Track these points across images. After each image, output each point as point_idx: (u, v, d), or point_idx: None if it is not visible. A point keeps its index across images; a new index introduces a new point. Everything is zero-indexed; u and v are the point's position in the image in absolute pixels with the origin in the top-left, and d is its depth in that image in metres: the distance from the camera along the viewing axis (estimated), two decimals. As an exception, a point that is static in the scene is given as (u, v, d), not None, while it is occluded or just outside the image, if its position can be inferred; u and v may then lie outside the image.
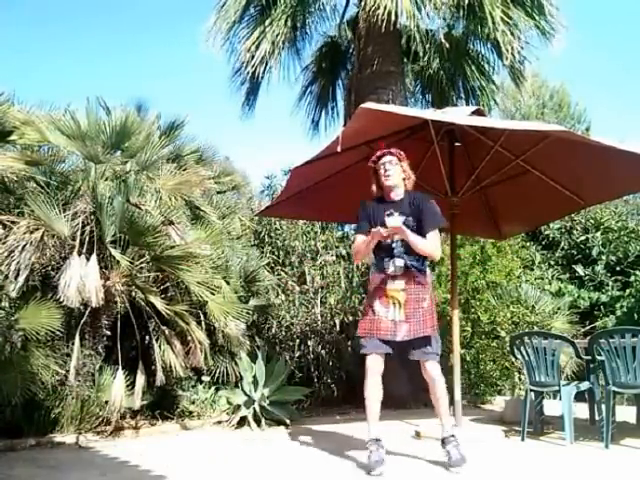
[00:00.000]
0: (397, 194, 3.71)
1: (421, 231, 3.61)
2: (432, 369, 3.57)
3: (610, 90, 27.95)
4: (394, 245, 3.62)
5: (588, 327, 8.43)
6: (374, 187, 3.78)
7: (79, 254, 4.76)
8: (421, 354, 3.58)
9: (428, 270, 3.81)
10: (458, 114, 4.62)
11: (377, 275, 3.69)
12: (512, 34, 6.56)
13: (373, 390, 3.57)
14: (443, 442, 3.59)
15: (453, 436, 3.57)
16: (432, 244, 3.61)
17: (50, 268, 4.91)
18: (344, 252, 7.82)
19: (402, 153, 3.75)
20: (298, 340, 6.98)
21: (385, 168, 3.67)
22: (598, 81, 28.67)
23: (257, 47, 6.97)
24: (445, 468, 3.50)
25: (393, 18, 5.96)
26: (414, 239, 3.52)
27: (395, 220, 3.50)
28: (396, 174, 3.68)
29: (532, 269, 9.17)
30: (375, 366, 3.57)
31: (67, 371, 4.63)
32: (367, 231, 3.65)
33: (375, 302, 3.63)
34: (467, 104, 8.09)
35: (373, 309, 3.62)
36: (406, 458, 3.82)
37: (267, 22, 7.05)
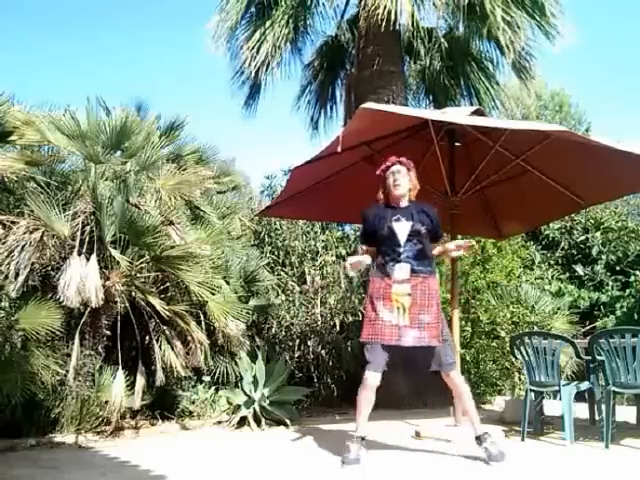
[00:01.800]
0: (403, 202, 3.78)
1: (432, 236, 3.75)
2: (455, 377, 3.69)
3: (610, 90, 27.98)
4: (401, 250, 3.63)
5: (588, 327, 8.43)
6: (380, 194, 3.84)
7: (79, 254, 4.76)
8: (441, 366, 3.65)
9: (436, 276, 3.84)
10: (458, 114, 4.62)
11: (380, 278, 3.68)
12: (513, 32, 6.56)
13: (365, 404, 3.64)
14: (478, 440, 3.65)
15: (487, 433, 3.64)
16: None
17: (50, 268, 4.91)
18: (344, 252, 7.82)
19: (411, 163, 3.82)
20: (298, 340, 6.98)
21: (395, 178, 3.74)
22: (598, 81, 28.68)
23: (258, 48, 6.98)
24: (445, 467, 3.50)
25: (393, 18, 5.97)
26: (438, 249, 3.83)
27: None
28: (405, 184, 3.75)
29: (532, 269, 9.17)
30: (373, 383, 3.61)
31: (67, 371, 4.63)
32: (366, 241, 3.81)
33: (379, 305, 3.62)
34: (469, 104, 8.09)
35: (376, 312, 3.61)
36: (406, 458, 3.82)
37: (268, 23, 7.05)
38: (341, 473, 3.49)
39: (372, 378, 3.60)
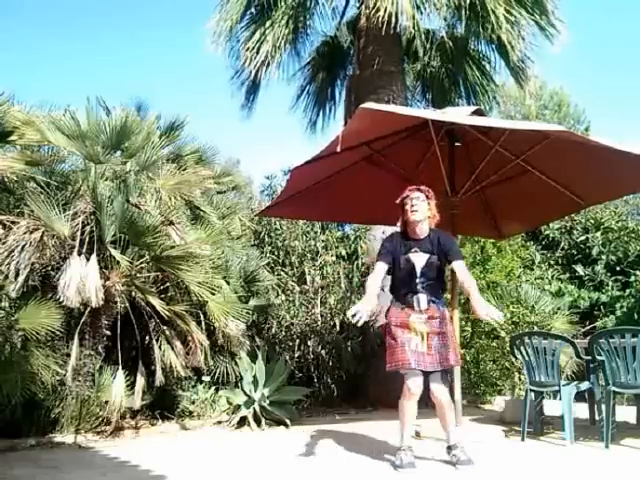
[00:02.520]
0: (422, 231, 3.73)
1: (446, 262, 3.71)
2: (442, 393, 3.61)
3: (609, 90, 28.00)
4: (418, 281, 3.67)
5: (588, 327, 8.42)
6: (399, 224, 3.82)
7: (79, 254, 4.76)
8: (430, 379, 3.63)
9: (447, 306, 3.92)
10: (458, 114, 4.61)
11: (399, 309, 3.71)
12: (515, 33, 6.56)
13: (411, 415, 3.61)
14: (449, 449, 3.66)
15: (459, 445, 3.63)
16: (469, 276, 3.74)
17: (50, 268, 4.91)
18: (344, 252, 7.82)
19: (430, 191, 3.78)
20: (298, 340, 6.98)
21: (412, 203, 3.70)
22: (596, 81, 28.68)
23: (258, 48, 6.98)
24: (445, 467, 3.50)
25: (393, 20, 5.97)
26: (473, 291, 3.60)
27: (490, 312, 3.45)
28: (423, 210, 3.71)
29: (532, 269, 9.16)
30: (417, 391, 3.54)
31: (67, 371, 4.63)
32: (389, 262, 3.71)
33: (397, 332, 3.64)
34: (468, 104, 8.09)
35: (396, 340, 3.62)
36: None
37: (268, 23, 7.05)
38: (342, 473, 3.50)
39: (414, 384, 3.53)
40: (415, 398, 3.57)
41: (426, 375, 3.58)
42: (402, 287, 3.73)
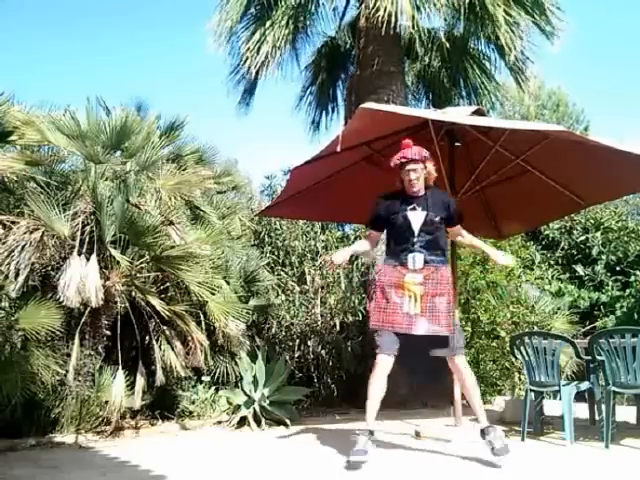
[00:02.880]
0: (419, 190, 3.74)
1: (447, 223, 3.76)
2: (461, 363, 3.64)
3: (608, 90, 27.99)
4: (415, 240, 3.61)
5: (588, 327, 8.43)
6: (398, 183, 3.79)
7: (79, 254, 4.76)
8: (447, 351, 3.62)
9: (448, 266, 3.80)
10: (458, 114, 4.62)
11: (392, 267, 3.65)
12: (514, 33, 6.56)
13: (377, 391, 3.59)
14: (482, 433, 3.60)
15: (492, 426, 3.60)
16: (472, 236, 3.95)
17: (50, 268, 4.91)
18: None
19: (426, 154, 3.73)
20: (298, 340, 6.98)
21: (410, 177, 3.68)
22: (595, 80, 28.68)
23: (258, 48, 6.98)
24: (444, 467, 3.50)
25: (393, 20, 5.97)
26: (483, 246, 3.91)
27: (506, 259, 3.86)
28: (420, 178, 3.71)
29: (532, 269, 9.17)
30: (385, 368, 3.56)
31: (67, 371, 4.63)
32: (381, 229, 3.80)
33: (390, 293, 3.58)
34: (469, 104, 8.09)
35: (387, 300, 3.57)
36: (405, 458, 3.82)
37: (268, 23, 7.05)
38: (341, 473, 3.50)
39: (383, 361, 3.54)
40: (383, 376, 3.55)
41: (418, 341, 3.55)
42: (398, 245, 3.66)
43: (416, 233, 3.61)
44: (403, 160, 3.68)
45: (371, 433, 3.58)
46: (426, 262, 3.59)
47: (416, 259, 3.58)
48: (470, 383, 3.67)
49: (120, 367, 4.82)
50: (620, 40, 28.81)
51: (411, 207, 3.63)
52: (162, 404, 5.35)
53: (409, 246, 3.61)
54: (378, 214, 3.80)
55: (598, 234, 10.04)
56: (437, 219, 3.64)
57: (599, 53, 29.81)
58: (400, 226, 3.64)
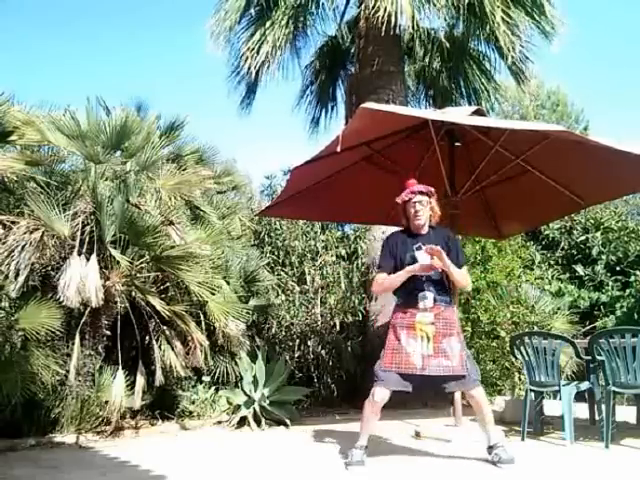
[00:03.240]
0: (424, 228, 3.77)
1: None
2: (477, 395, 3.61)
3: (608, 89, 27.98)
4: (424, 279, 3.64)
5: (588, 327, 8.42)
6: (403, 221, 3.82)
7: (79, 254, 4.76)
8: (461, 385, 3.64)
9: (455, 307, 3.86)
10: (458, 114, 4.62)
11: (403, 308, 3.68)
12: (513, 34, 6.57)
13: (371, 420, 3.64)
14: (490, 448, 3.62)
15: (502, 444, 3.60)
16: (467, 276, 3.84)
17: (50, 268, 4.91)
18: (344, 252, 7.81)
19: (432, 190, 3.78)
20: (298, 340, 6.98)
21: (416, 209, 3.72)
22: (593, 79, 28.67)
23: (258, 48, 6.99)
24: (444, 467, 3.50)
25: (393, 20, 5.97)
26: (453, 269, 3.63)
27: (429, 259, 3.57)
28: (426, 213, 3.74)
29: (532, 269, 9.16)
30: (381, 401, 3.58)
31: (67, 371, 4.63)
32: (391, 268, 3.73)
33: (402, 335, 3.60)
34: (469, 104, 8.10)
35: (400, 342, 3.59)
36: (405, 458, 3.82)
37: (268, 23, 7.06)
38: (341, 473, 3.50)
39: (380, 393, 3.57)
40: (378, 407, 3.59)
41: (432, 379, 3.54)
42: (407, 285, 3.67)
43: (425, 273, 3.62)
44: (410, 195, 3.72)
45: (366, 447, 3.63)
46: (435, 301, 3.63)
47: (427, 298, 3.62)
48: (486, 412, 3.65)
49: (120, 367, 4.82)
50: (620, 37, 28.82)
51: (417, 247, 3.65)
52: (162, 404, 5.35)
53: (418, 285, 3.64)
54: (389, 255, 3.78)
55: (598, 234, 10.03)
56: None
57: (599, 52, 29.82)
58: (408, 266, 3.65)
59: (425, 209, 3.73)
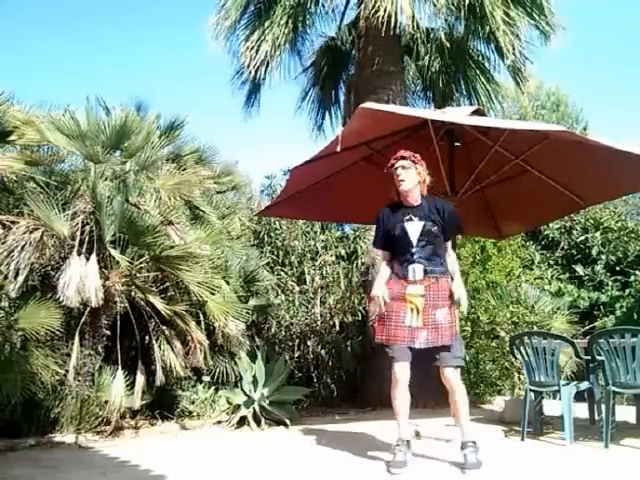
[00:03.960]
0: (414, 198, 3.65)
1: (443, 235, 3.62)
2: (452, 379, 3.52)
3: (607, 89, 27.99)
4: (414, 251, 3.56)
5: (588, 327, 8.43)
6: (393, 192, 3.72)
7: (79, 254, 4.76)
8: (440, 360, 3.53)
9: (448, 277, 3.69)
10: (458, 114, 4.62)
11: (396, 280, 3.62)
12: (513, 34, 6.57)
13: (401, 403, 3.55)
14: (462, 445, 3.54)
15: (473, 442, 3.52)
16: (454, 260, 3.72)
17: (50, 268, 4.91)
18: (343, 252, 7.82)
19: (417, 156, 3.66)
20: (298, 340, 6.98)
21: (397, 173, 3.61)
22: (593, 79, 28.67)
23: (258, 48, 6.98)
24: (445, 467, 3.50)
25: (393, 20, 5.97)
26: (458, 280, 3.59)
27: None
28: (410, 178, 3.61)
29: (532, 269, 9.17)
30: (404, 376, 3.51)
31: (67, 371, 4.63)
32: (382, 243, 3.73)
33: (393, 307, 3.56)
34: (469, 104, 8.09)
35: (390, 314, 3.55)
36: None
37: (267, 23, 7.05)
38: (341, 473, 3.49)
39: (401, 370, 3.48)
40: (403, 384, 3.50)
41: (422, 352, 3.48)
42: (398, 257, 3.62)
43: (414, 244, 3.56)
44: (392, 161, 3.65)
45: (407, 442, 3.56)
46: (426, 273, 3.54)
47: (416, 270, 3.54)
48: (459, 400, 3.54)
49: (120, 367, 4.82)
50: (619, 36, 28.82)
51: (407, 218, 3.58)
52: (162, 404, 5.35)
53: (408, 257, 3.57)
54: (380, 233, 3.76)
55: (598, 234, 10.04)
56: (435, 229, 3.57)
57: (598, 52, 29.81)
58: (398, 238, 3.60)
59: (407, 173, 3.59)
